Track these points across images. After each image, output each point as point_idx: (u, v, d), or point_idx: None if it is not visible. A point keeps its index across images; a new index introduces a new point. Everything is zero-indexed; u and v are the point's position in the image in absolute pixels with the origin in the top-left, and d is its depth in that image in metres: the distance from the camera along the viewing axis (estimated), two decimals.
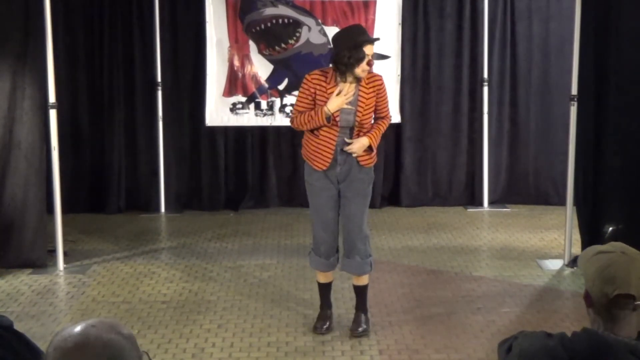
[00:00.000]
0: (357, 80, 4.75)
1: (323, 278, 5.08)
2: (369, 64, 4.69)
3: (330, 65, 4.83)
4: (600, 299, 2.23)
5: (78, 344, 1.81)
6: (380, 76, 4.89)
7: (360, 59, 4.65)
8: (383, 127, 4.92)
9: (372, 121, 4.90)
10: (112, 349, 1.82)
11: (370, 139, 4.80)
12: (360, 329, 4.97)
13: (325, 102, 4.73)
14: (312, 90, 4.78)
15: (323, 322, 5.04)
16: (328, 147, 4.80)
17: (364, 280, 5.04)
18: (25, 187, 6.22)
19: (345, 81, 4.74)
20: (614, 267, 2.23)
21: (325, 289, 5.11)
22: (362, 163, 4.84)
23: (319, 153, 4.82)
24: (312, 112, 4.75)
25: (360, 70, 4.68)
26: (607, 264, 2.24)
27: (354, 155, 4.80)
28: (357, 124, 4.79)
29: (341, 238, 4.99)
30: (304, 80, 4.83)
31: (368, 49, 4.66)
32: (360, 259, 4.91)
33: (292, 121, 4.91)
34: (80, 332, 1.83)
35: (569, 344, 2.19)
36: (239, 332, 5.03)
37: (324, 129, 4.77)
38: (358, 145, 4.77)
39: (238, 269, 6.34)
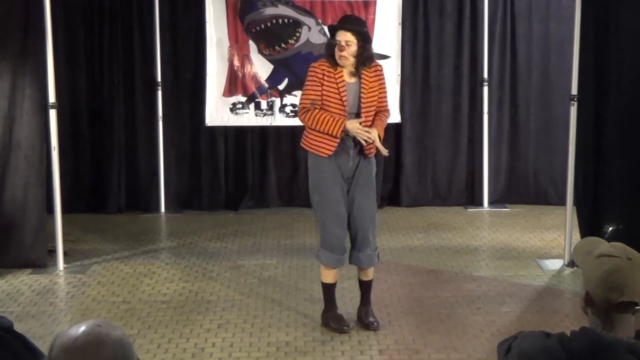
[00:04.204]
0: (357, 68, 4.87)
1: (332, 278, 5.08)
2: (340, 49, 4.81)
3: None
4: (602, 303, 2.21)
5: (91, 342, 1.80)
6: (382, 66, 5.03)
7: (334, 45, 4.84)
8: (385, 119, 4.99)
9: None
10: (123, 347, 1.83)
11: (378, 129, 4.88)
12: (375, 322, 5.06)
13: (333, 89, 4.84)
14: (320, 76, 4.88)
15: (343, 320, 5.05)
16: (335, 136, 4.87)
17: (370, 274, 5.12)
18: (25, 187, 6.22)
19: (340, 69, 4.86)
20: (620, 274, 2.19)
21: (332, 289, 5.12)
22: (367, 153, 4.92)
23: (325, 139, 4.85)
24: (329, 118, 4.79)
25: (337, 56, 4.84)
26: (614, 270, 2.19)
27: (369, 142, 4.83)
28: (362, 108, 4.87)
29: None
30: (311, 69, 4.94)
31: (339, 35, 4.82)
32: (371, 251, 4.99)
33: (301, 112, 4.90)
34: (89, 331, 1.82)
35: (568, 344, 2.19)
36: (239, 332, 5.03)
37: (332, 114, 4.83)
38: (374, 133, 4.84)
39: (238, 269, 6.34)
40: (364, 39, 4.82)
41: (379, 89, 4.94)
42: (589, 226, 6.27)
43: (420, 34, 8.30)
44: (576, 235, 6.32)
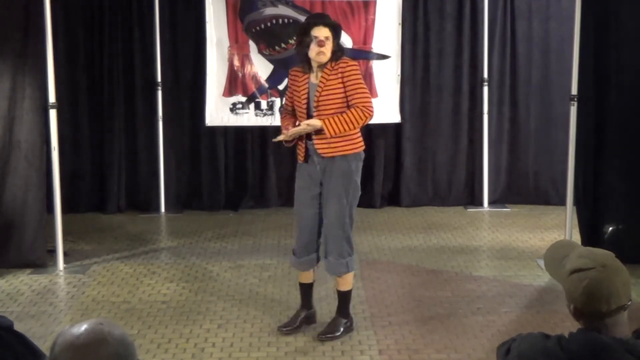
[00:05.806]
0: (323, 66, 4.70)
1: (300, 277, 5.05)
2: (320, 44, 4.63)
3: None
4: (592, 314, 2.20)
5: (94, 340, 1.81)
6: (349, 61, 4.75)
7: (309, 42, 4.66)
8: (349, 116, 4.63)
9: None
10: (125, 345, 1.84)
11: (325, 122, 4.62)
12: (327, 333, 4.88)
13: (297, 91, 4.81)
14: (291, 81, 4.92)
15: (289, 321, 5.01)
16: (300, 139, 4.84)
17: (342, 284, 4.92)
18: (25, 187, 6.22)
19: (312, 70, 4.75)
20: (601, 285, 2.18)
21: (302, 289, 5.05)
22: (319, 151, 4.71)
23: (298, 146, 4.87)
24: (281, 120, 5.01)
25: (314, 53, 4.66)
26: (594, 285, 2.18)
27: (302, 133, 4.70)
28: (315, 107, 4.70)
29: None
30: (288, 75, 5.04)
31: (316, 31, 4.64)
32: (333, 259, 4.81)
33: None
34: (91, 329, 1.83)
35: (567, 345, 2.19)
36: (239, 332, 5.03)
37: (286, 117, 4.97)
38: (303, 125, 4.68)
39: (238, 269, 6.34)
40: (338, 35, 4.74)
41: (346, 86, 4.67)
42: (589, 226, 6.28)
43: (420, 34, 8.30)
44: (576, 235, 6.33)
